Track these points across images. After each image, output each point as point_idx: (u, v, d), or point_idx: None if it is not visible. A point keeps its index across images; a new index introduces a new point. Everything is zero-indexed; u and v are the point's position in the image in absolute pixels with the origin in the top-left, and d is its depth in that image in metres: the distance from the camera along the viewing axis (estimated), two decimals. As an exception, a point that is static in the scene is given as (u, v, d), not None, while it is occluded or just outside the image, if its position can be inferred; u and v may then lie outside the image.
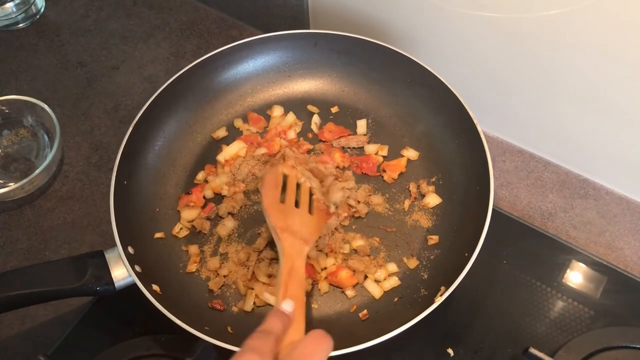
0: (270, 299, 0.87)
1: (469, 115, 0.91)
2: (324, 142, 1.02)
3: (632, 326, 0.88)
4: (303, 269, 0.73)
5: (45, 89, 1.19)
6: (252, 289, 0.88)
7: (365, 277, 0.89)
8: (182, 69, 0.99)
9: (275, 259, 0.90)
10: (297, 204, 0.83)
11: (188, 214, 0.95)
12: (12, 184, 1.00)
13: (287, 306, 0.64)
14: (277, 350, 0.57)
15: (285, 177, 0.85)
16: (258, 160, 0.99)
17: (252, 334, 0.58)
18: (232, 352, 0.74)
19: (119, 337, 0.88)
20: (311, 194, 0.86)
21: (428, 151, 0.99)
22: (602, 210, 1.02)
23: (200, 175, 0.99)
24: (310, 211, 0.84)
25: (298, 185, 0.86)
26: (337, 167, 0.98)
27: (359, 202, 0.94)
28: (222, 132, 1.04)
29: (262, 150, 1.00)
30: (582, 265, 0.95)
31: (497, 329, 0.89)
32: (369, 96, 1.05)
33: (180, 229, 0.94)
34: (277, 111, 1.05)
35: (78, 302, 0.93)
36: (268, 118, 1.05)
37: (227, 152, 1.00)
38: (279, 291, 0.68)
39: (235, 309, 0.87)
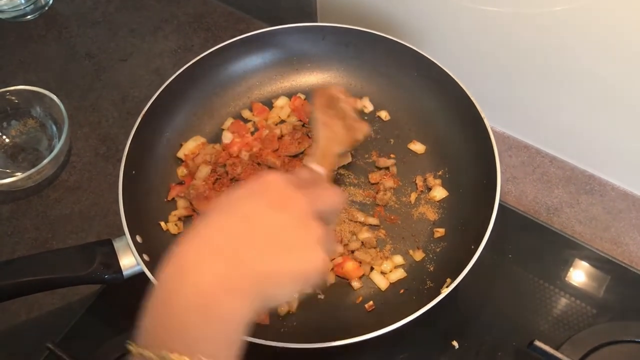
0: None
1: (477, 109, 0.91)
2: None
3: (637, 321, 0.88)
4: (335, 155, 0.75)
5: (54, 80, 1.20)
6: None
7: (372, 268, 0.89)
8: (189, 61, 0.99)
9: None
10: None
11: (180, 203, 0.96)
12: (19, 173, 1.00)
13: (318, 168, 0.68)
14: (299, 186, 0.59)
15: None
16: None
17: None
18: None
19: (126, 326, 0.87)
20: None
21: (435, 144, 1.00)
22: (608, 205, 1.02)
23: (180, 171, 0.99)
24: None
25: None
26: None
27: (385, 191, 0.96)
28: (229, 124, 1.04)
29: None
30: (587, 261, 0.95)
31: (502, 322, 0.90)
32: (376, 89, 1.05)
33: (176, 222, 0.94)
34: (281, 101, 1.06)
35: (85, 291, 0.93)
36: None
37: (186, 148, 1.00)
38: (314, 156, 0.71)
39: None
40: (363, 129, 0.83)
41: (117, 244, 0.81)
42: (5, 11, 1.26)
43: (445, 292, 0.77)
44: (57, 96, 1.05)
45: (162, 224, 0.93)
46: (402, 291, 0.87)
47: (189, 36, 1.26)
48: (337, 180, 0.98)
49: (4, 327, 0.92)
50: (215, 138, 1.03)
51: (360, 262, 0.89)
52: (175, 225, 0.93)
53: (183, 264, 0.50)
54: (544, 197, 1.04)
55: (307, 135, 1.01)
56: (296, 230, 0.54)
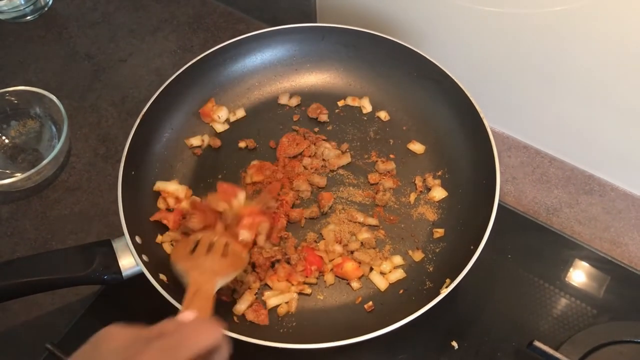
0: (272, 304, 0.87)
1: (476, 109, 0.91)
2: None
3: (637, 321, 0.88)
4: (211, 291, 0.71)
5: (53, 80, 1.20)
6: (250, 288, 0.88)
7: (371, 269, 0.89)
8: (189, 61, 0.99)
9: (278, 260, 0.89)
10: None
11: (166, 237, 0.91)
12: (19, 174, 1.00)
13: (185, 314, 0.64)
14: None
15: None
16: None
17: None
18: (238, 341, 0.74)
19: (125, 327, 0.88)
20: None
21: (434, 145, 1.00)
22: (607, 206, 1.02)
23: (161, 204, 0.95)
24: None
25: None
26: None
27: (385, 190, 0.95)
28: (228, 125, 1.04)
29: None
30: (586, 261, 0.95)
31: (501, 323, 0.90)
32: (376, 89, 1.05)
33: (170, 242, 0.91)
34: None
35: (85, 292, 0.93)
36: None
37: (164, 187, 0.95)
38: (183, 305, 0.68)
39: (240, 299, 0.88)
40: (240, 251, 0.80)
41: (117, 245, 0.81)
42: (5, 12, 1.26)
43: (444, 292, 0.77)
44: (57, 97, 1.05)
45: (159, 236, 0.90)
46: (401, 291, 0.87)
47: (188, 36, 1.26)
48: (337, 180, 0.98)
49: (4, 327, 0.92)
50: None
51: (360, 263, 0.89)
52: (171, 244, 0.90)
53: None
54: (543, 197, 1.04)
55: (304, 136, 1.01)
56: None
